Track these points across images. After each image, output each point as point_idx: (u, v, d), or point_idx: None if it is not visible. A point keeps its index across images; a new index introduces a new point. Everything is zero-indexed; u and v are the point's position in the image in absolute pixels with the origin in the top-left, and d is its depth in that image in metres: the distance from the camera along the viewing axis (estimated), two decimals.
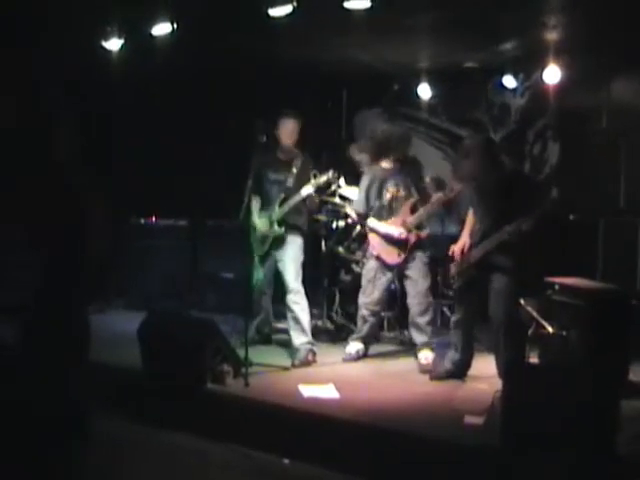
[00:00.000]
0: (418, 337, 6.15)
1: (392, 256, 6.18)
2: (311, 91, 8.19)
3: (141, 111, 8.04)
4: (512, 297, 5.44)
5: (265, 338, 6.68)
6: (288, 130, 6.30)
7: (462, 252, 5.61)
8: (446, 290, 7.04)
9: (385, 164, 6.26)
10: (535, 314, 5.66)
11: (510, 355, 5.33)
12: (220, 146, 8.24)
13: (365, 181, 6.33)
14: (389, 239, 6.17)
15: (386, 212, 6.23)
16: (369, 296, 6.26)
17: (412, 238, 6.12)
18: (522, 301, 5.74)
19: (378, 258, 6.24)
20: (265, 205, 6.37)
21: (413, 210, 6.15)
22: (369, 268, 6.32)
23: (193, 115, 8.20)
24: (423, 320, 6.11)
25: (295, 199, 6.19)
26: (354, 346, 6.37)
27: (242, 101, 7.90)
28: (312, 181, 6.19)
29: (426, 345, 6.10)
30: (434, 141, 8.43)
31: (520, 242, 5.31)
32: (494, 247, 5.39)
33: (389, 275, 6.24)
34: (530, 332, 5.66)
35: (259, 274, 6.42)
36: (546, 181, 7.66)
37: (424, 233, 6.18)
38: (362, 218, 6.43)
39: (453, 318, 5.79)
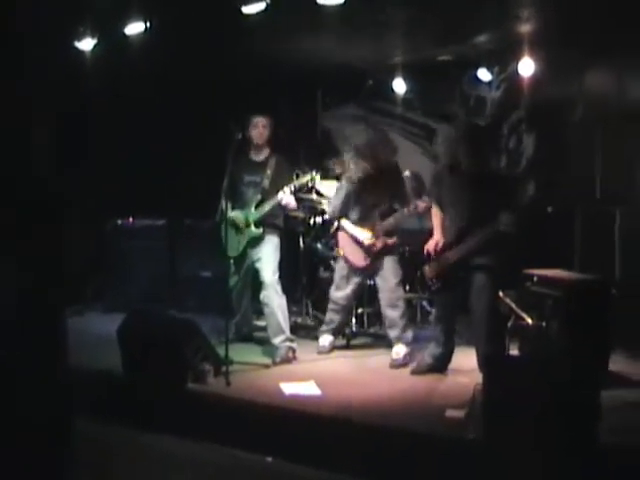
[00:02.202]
0: (390, 332, 6.18)
1: (358, 258, 6.24)
2: (285, 89, 8.17)
3: (116, 111, 7.98)
4: (493, 291, 5.47)
5: (244, 337, 6.66)
6: (258, 130, 6.28)
7: (436, 251, 5.60)
8: (422, 289, 7.04)
9: (363, 175, 6.17)
10: (514, 306, 5.68)
11: (490, 348, 5.35)
12: (197, 145, 8.19)
13: (342, 191, 6.33)
14: (357, 241, 6.22)
15: (358, 214, 6.28)
16: (341, 291, 6.34)
17: (379, 244, 6.15)
18: (501, 293, 5.75)
19: (345, 259, 6.30)
20: (240, 206, 6.34)
21: (385, 216, 6.17)
22: (342, 265, 6.37)
23: (169, 114, 8.15)
24: (394, 314, 6.13)
25: (274, 200, 6.18)
26: (326, 338, 6.47)
27: (217, 99, 7.87)
28: (294, 181, 6.21)
29: (398, 340, 6.12)
30: (411, 135, 8.43)
31: (500, 239, 5.32)
32: (475, 248, 5.39)
33: (360, 275, 6.30)
34: (509, 324, 5.68)
35: (235, 276, 6.40)
36: (523, 174, 7.68)
37: (392, 240, 6.19)
38: (335, 216, 6.47)
39: (433, 313, 5.80)
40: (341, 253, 6.37)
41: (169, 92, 7.93)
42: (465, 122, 5.67)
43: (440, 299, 5.76)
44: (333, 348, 6.49)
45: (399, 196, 6.20)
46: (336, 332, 6.54)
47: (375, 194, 6.18)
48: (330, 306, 6.47)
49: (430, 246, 5.63)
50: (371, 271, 6.25)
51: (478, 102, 7.94)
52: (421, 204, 5.99)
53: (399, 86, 8.10)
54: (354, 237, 6.24)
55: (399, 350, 6.08)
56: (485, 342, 5.39)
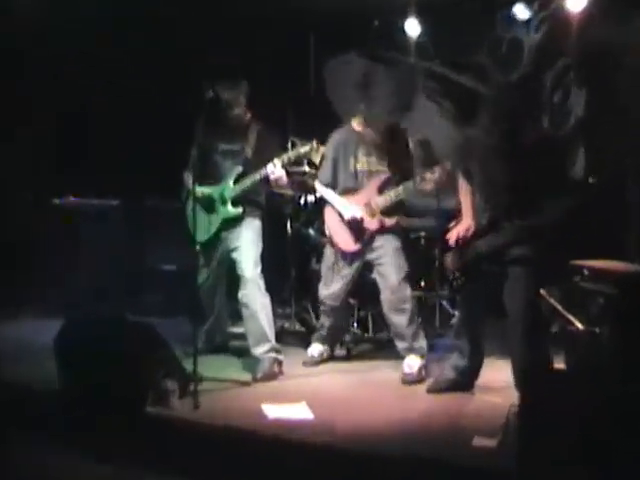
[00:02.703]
0: (398, 342, 6.20)
1: (347, 242, 6.26)
2: (270, 36, 8.14)
3: (57, 65, 7.99)
4: (532, 287, 5.41)
5: (218, 347, 6.65)
6: (235, 88, 6.25)
7: (466, 239, 5.55)
8: (442, 285, 7.02)
9: (358, 125, 6.27)
10: (559, 307, 5.66)
11: (529, 359, 5.32)
12: (160, 106, 8.17)
13: (332, 144, 6.36)
14: (345, 218, 6.24)
15: (349, 184, 6.28)
16: (328, 288, 6.39)
17: (372, 225, 6.16)
18: (542, 291, 5.72)
19: (332, 242, 6.34)
20: (215, 180, 6.30)
21: (383, 189, 6.16)
22: (329, 253, 6.41)
23: (121, 67, 8.14)
24: (399, 320, 6.14)
25: (260, 173, 6.14)
26: (315, 348, 6.54)
27: (182, 46, 7.84)
28: (290, 152, 6.21)
29: (409, 350, 6.12)
30: (426, 91, 8.38)
31: (546, 227, 5.29)
32: (517, 238, 5.35)
33: (355, 264, 6.29)
34: (553, 329, 5.66)
35: (205, 270, 6.38)
36: (570, 138, 7.65)
37: (391, 220, 6.19)
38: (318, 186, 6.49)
39: (457, 317, 5.78)
40: (327, 234, 6.37)
41: (128, 45, 7.93)
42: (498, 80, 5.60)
43: (465, 298, 5.73)
44: (326, 359, 6.53)
45: (402, 164, 6.19)
46: (329, 340, 6.58)
47: (371, 159, 6.20)
48: (320, 307, 6.54)
49: (459, 231, 5.57)
50: (363, 260, 6.24)
51: (513, 47, 7.88)
52: (430, 175, 5.95)
53: (412, 28, 8.06)
54: (339, 211, 6.25)
55: (412, 362, 6.07)
56: (522, 352, 5.36)
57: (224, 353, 6.62)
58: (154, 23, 8.01)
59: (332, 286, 6.37)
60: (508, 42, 7.89)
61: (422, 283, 6.95)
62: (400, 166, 6.20)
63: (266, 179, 6.17)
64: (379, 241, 6.19)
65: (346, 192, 6.28)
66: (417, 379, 5.96)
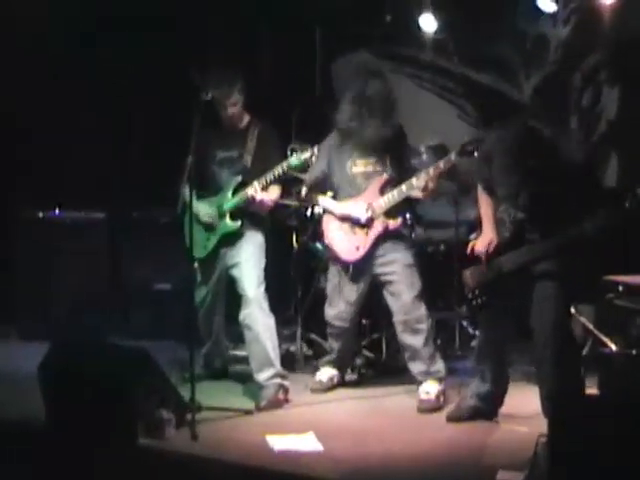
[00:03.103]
0: (412, 366, 6.20)
1: (349, 250, 6.25)
2: (272, 31, 8.18)
3: (37, 68, 8.05)
4: (561, 306, 5.42)
5: (217, 372, 6.67)
6: (227, 94, 6.24)
7: (488, 254, 5.56)
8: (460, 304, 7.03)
9: (351, 132, 6.26)
10: (592, 327, 5.66)
11: (559, 385, 5.32)
12: (149, 111, 8.21)
13: (326, 145, 6.38)
14: (347, 226, 6.25)
15: (348, 189, 6.29)
16: (334, 308, 6.41)
17: (377, 227, 6.16)
18: (573, 310, 5.73)
19: (333, 255, 6.36)
20: (210, 192, 6.33)
21: (384, 190, 6.20)
22: (333, 269, 6.43)
23: (108, 67, 8.18)
24: (413, 342, 6.15)
25: (245, 194, 6.16)
26: (325, 372, 6.55)
27: (175, 45, 7.88)
28: (290, 158, 6.21)
29: (426, 375, 6.13)
30: (444, 92, 8.42)
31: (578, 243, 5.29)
32: (539, 255, 5.36)
33: (363, 280, 6.30)
34: (586, 351, 5.66)
35: (203, 288, 6.40)
36: (601, 142, 7.66)
37: (395, 222, 6.20)
38: (311, 194, 6.53)
39: (478, 338, 5.78)
40: (326, 244, 6.43)
41: (113, 40, 7.97)
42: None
43: (487, 318, 5.73)
44: (336, 385, 6.53)
45: (403, 164, 6.22)
46: (338, 363, 6.58)
47: (369, 160, 6.22)
48: (328, 329, 6.55)
49: (481, 246, 5.58)
50: (371, 275, 6.24)
51: (538, 43, 7.92)
52: (432, 171, 5.98)
53: (428, 23, 8.09)
54: (343, 217, 6.28)
55: (429, 388, 6.08)
56: (551, 377, 5.36)
57: (224, 379, 6.65)
58: (143, 23, 8.05)
59: (338, 305, 6.38)
60: (533, 38, 7.92)
61: (439, 302, 6.94)
62: (401, 166, 6.22)
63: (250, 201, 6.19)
64: (388, 256, 6.20)
65: (346, 197, 6.30)
66: (435, 406, 5.96)
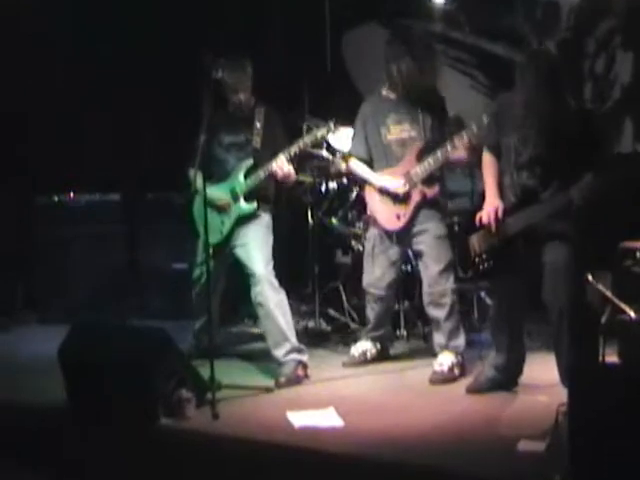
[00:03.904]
0: (435, 337, 6.24)
1: (390, 219, 6.25)
2: (282, 7, 8.15)
3: (47, 52, 8.04)
4: (574, 272, 5.40)
5: (206, 351, 6.18)
6: (239, 80, 6.25)
7: (497, 220, 5.55)
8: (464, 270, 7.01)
9: (387, 92, 6.31)
10: (609, 294, 5.63)
11: (577, 353, 5.32)
12: (159, 92, 8.20)
13: (360, 117, 6.39)
14: (387, 196, 6.24)
15: (385, 158, 6.28)
16: (370, 274, 6.41)
17: (416, 196, 6.15)
18: (590, 277, 5.71)
19: (375, 222, 6.35)
20: (217, 176, 6.32)
21: (421, 158, 6.17)
22: (369, 237, 6.45)
23: (121, 53, 8.17)
24: (436, 314, 6.18)
25: (265, 170, 6.18)
26: (360, 346, 6.56)
27: (185, 29, 7.88)
28: (305, 137, 6.24)
29: (443, 347, 6.16)
30: (456, 63, 8.38)
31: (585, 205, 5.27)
32: (546, 216, 5.34)
33: (396, 248, 6.31)
34: (604, 319, 5.64)
35: (201, 268, 6.31)
36: (615, 110, 7.62)
37: (432, 190, 6.19)
38: (349, 167, 6.55)
39: (492, 309, 5.78)
40: (369, 214, 6.45)
41: (120, 24, 7.96)
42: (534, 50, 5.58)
43: (497, 286, 5.73)
44: (369, 360, 6.53)
45: (439, 130, 6.20)
46: (376, 336, 6.57)
47: (404, 126, 6.21)
48: (366, 297, 6.54)
49: (488, 213, 5.55)
50: (409, 242, 6.25)
51: (550, 10, 7.87)
52: (459, 141, 5.97)
53: None
54: (382, 189, 6.25)
55: (443, 360, 6.11)
56: (568, 345, 5.36)
57: (222, 357, 6.40)
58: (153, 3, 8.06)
59: (374, 272, 6.39)
60: (544, 5, 7.87)
61: (461, 274, 6.92)
62: (437, 131, 6.21)
63: (273, 175, 6.21)
64: (421, 225, 6.20)
65: (382, 166, 6.29)
66: (447, 378, 5.99)
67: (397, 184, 6.17)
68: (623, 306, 5.50)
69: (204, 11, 7.94)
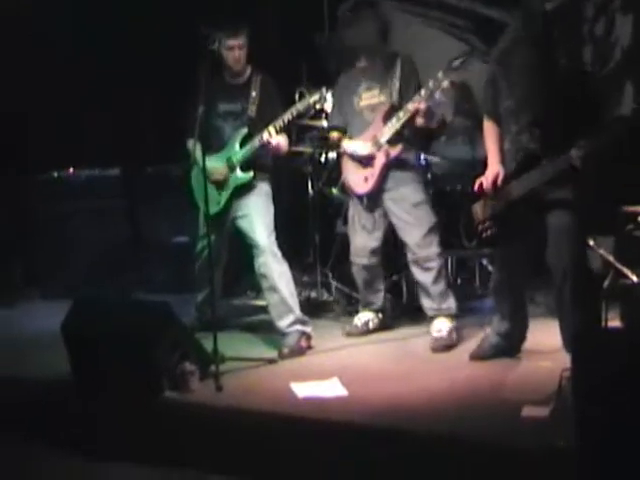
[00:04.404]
0: (424, 302, 6.27)
1: (359, 183, 6.31)
2: None
3: (43, 25, 8.02)
4: (577, 237, 5.39)
5: (209, 324, 6.03)
6: (234, 53, 6.22)
7: (496, 187, 5.52)
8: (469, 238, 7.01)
9: (360, 61, 6.35)
10: (612, 259, 5.63)
11: (580, 318, 5.32)
12: (156, 64, 8.17)
13: (337, 88, 6.49)
14: (356, 161, 6.31)
15: (358, 125, 6.31)
16: (352, 244, 6.50)
17: (381, 157, 6.17)
18: (592, 242, 5.70)
19: (348, 188, 6.45)
20: (214, 146, 6.27)
21: (387, 120, 6.18)
22: (350, 206, 6.53)
23: (116, 26, 8.15)
24: (424, 278, 6.21)
25: (256, 141, 6.17)
26: (363, 316, 6.61)
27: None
28: (297, 103, 6.22)
29: (436, 311, 6.20)
30: (453, 29, 8.34)
31: (586, 168, 5.24)
32: (548, 180, 5.32)
33: (370, 214, 6.33)
34: (606, 284, 5.64)
35: (204, 241, 6.26)
36: (616, 73, 7.59)
37: (395, 150, 6.17)
38: (332, 138, 6.58)
39: (493, 276, 5.78)
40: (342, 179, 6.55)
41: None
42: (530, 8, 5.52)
43: (500, 254, 5.71)
44: (372, 330, 6.56)
45: (404, 91, 6.16)
46: (373, 306, 6.60)
47: (373, 92, 6.25)
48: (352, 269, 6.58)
49: (488, 179, 5.53)
50: (384, 208, 6.28)
51: None
52: (424, 92, 5.98)
53: None
54: (351, 154, 6.33)
55: (441, 325, 6.14)
56: (572, 310, 5.36)
57: (225, 329, 6.38)
58: None
59: (356, 240, 6.45)
60: None
61: (459, 240, 6.92)
62: (407, 94, 6.16)
63: (265, 145, 6.19)
64: (396, 190, 6.22)
65: (356, 133, 6.31)
66: (448, 343, 6.03)
67: (363, 147, 6.21)
68: (625, 270, 5.51)
69: None
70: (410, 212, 6.19)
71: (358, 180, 6.30)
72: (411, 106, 6.02)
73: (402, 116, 6.07)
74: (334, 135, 6.51)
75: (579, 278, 5.33)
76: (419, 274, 6.23)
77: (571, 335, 5.16)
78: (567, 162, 5.18)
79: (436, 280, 6.18)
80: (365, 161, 6.25)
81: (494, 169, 5.51)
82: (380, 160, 6.16)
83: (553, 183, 5.27)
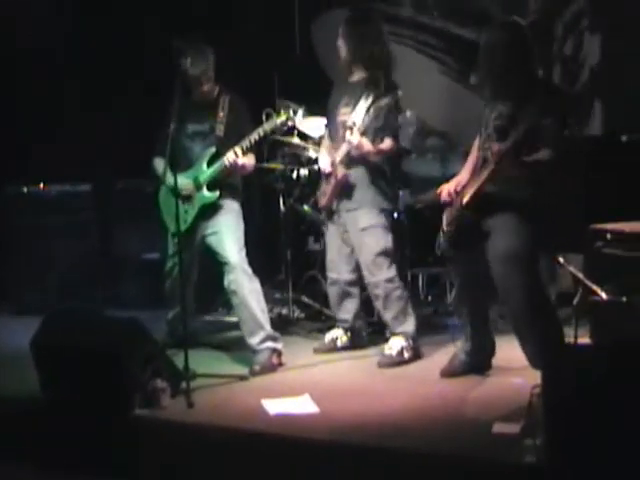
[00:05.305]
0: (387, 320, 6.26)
1: (320, 196, 6.40)
2: None
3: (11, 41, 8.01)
4: (526, 245, 5.31)
5: (180, 341, 6.03)
6: (202, 71, 6.20)
7: (455, 192, 5.50)
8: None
9: (349, 74, 6.32)
10: (581, 276, 5.66)
11: (540, 339, 5.33)
12: (128, 80, 8.17)
13: (330, 97, 6.47)
14: (325, 175, 6.36)
15: (336, 139, 6.32)
16: (327, 257, 6.51)
17: (334, 177, 6.20)
18: (562, 259, 5.74)
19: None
20: (181, 165, 6.19)
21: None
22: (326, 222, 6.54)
23: (89, 38, 8.14)
24: (376, 304, 6.27)
25: (223, 162, 6.16)
26: (332, 333, 6.60)
27: (152, 15, 7.87)
28: (265, 124, 6.20)
29: (392, 334, 6.19)
30: (426, 48, 8.38)
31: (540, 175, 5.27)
32: (489, 180, 5.31)
33: (340, 234, 6.34)
34: (576, 301, 5.67)
35: (175, 257, 6.24)
36: (584, 90, 7.65)
37: (341, 172, 6.16)
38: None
39: (453, 292, 5.79)
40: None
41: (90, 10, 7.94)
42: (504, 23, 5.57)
43: (457, 265, 5.68)
44: (340, 348, 6.54)
45: (374, 113, 6.06)
46: (341, 323, 6.59)
47: (348, 109, 6.21)
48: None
49: (450, 186, 5.53)
50: (344, 226, 6.31)
51: None
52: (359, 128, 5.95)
53: None
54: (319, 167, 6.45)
55: (392, 344, 6.13)
56: (529, 333, 5.38)
57: (197, 347, 6.32)
58: None
59: (327, 255, 6.51)
60: None
61: (430, 258, 6.94)
62: (373, 116, 6.08)
63: (232, 166, 6.17)
64: (351, 212, 6.22)
65: (335, 147, 6.29)
66: (394, 362, 6.04)
67: (325, 163, 6.27)
68: (594, 287, 5.54)
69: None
70: (357, 236, 6.20)
71: (321, 192, 6.37)
72: (349, 137, 5.99)
73: (352, 141, 6.02)
74: (322, 145, 6.55)
75: (531, 294, 5.35)
76: (373, 300, 6.27)
77: (533, 354, 5.21)
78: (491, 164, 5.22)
79: (385, 306, 6.17)
80: (326, 176, 6.29)
81: (459, 176, 5.56)
82: (334, 179, 6.19)
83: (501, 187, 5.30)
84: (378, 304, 6.22)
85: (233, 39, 6.57)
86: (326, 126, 6.56)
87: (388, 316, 6.18)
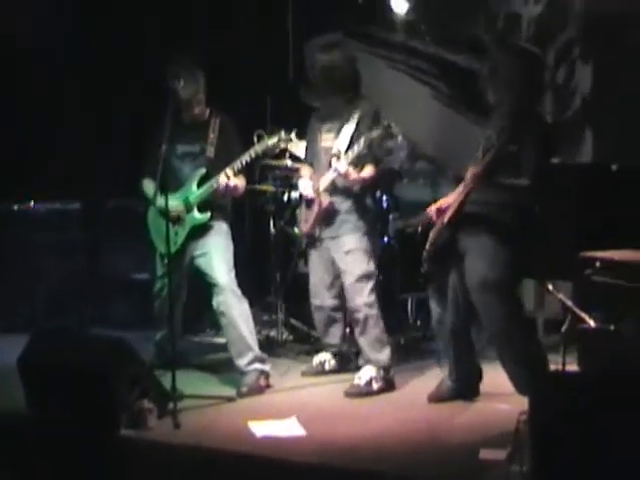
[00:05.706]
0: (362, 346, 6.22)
1: (302, 222, 6.40)
2: (243, 13, 8.15)
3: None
4: (503, 276, 5.40)
5: (168, 362, 5.98)
6: (193, 94, 6.20)
7: (441, 211, 5.52)
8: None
9: (331, 99, 6.33)
10: (570, 303, 5.67)
11: (525, 359, 5.35)
12: (120, 98, 8.18)
13: (310, 123, 6.47)
14: (307, 201, 6.35)
15: (317, 165, 6.32)
16: (310, 283, 6.48)
17: (317, 204, 6.20)
18: (551, 287, 5.75)
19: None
20: (171, 186, 6.14)
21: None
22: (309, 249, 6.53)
23: (80, 58, 8.15)
24: (355, 329, 6.22)
25: (213, 183, 6.16)
26: (320, 356, 6.58)
27: (146, 34, 7.88)
28: (256, 145, 6.21)
29: (365, 362, 6.15)
30: (418, 73, 8.39)
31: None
32: (465, 199, 5.32)
33: (324, 260, 6.34)
34: (564, 328, 5.68)
35: (163, 280, 6.27)
36: (575, 120, 7.67)
37: (325, 201, 6.17)
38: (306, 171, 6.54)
39: (434, 317, 5.80)
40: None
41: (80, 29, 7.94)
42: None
43: (438, 290, 5.71)
44: (328, 371, 6.53)
45: (358, 140, 6.06)
46: (329, 347, 6.58)
47: (330, 135, 6.24)
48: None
49: (437, 205, 5.56)
50: (328, 253, 6.30)
51: (510, 21, 7.91)
52: (351, 154, 5.97)
53: (399, 5, 8.08)
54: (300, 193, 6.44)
55: (363, 373, 6.08)
56: (513, 355, 5.40)
57: (184, 368, 6.30)
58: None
59: (312, 279, 6.47)
60: (504, 17, 7.92)
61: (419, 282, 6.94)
62: (356, 143, 6.08)
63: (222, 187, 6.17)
64: (335, 240, 6.23)
65: (316, 173, 6.29)
66: (362, 391, 5.98)
67: (308, 189, 6.25)
68: (583, 315, 5.55)
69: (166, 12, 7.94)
70: (342, 260, 6.19)
71: (303, 218, 6.37)
72: (336, 164, 6.00)
73: (338, 169, 6.02)
74: (302, 170, 6.51)
75: (511, 321, 5.37)
76: (352, 322, 6.27)
77: (517, 379, 5.23)
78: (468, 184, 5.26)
79: (363, 332, 6.13)
80: (308, 202, 6.29)
81: (448, 197, 5.57)
82: (315, 207, 6.19)
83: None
84: (356, 329, 6.19)
85: (229, 63, 6.57)
86: (306, 151, 6.53)
87: (364, 342, 6.13)
